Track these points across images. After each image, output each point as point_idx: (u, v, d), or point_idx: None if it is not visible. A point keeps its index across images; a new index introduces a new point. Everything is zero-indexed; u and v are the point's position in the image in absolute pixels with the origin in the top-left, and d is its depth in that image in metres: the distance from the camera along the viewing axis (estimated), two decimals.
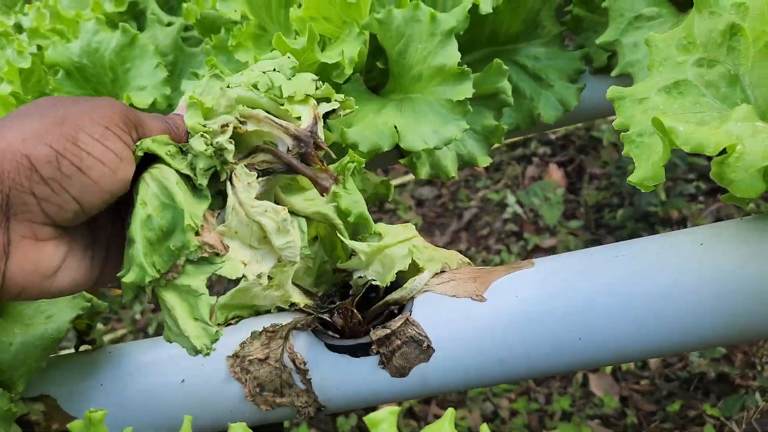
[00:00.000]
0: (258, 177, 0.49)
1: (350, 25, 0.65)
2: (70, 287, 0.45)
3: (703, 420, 1.52)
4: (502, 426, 1.68)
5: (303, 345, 0.52)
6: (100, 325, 2.29)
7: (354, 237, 0.53)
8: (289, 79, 0.52)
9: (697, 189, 2.02)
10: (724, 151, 0.40)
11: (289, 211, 0.49)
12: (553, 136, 2.44)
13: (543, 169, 2.37)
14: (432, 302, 0.51)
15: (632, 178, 0.44)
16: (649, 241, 0.50)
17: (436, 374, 0.50)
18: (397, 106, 0.65)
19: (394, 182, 2.50)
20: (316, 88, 0.52)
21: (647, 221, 2.00)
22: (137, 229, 0.45)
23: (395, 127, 0.59)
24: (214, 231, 0.48)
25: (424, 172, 0.68)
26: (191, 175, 0.48)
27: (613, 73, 0.66)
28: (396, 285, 0.52)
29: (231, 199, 0.48)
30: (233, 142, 0.48)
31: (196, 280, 0.45)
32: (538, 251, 2.16)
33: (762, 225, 0.47)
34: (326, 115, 0.53)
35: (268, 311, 0.55)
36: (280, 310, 0.54)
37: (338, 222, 0.52)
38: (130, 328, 2.22)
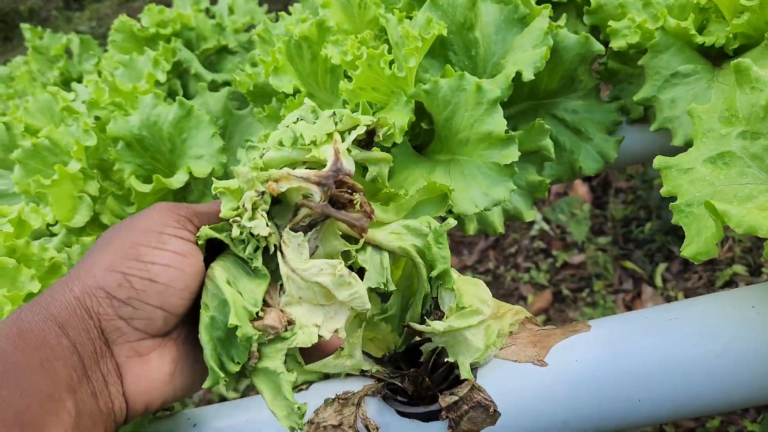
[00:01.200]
0: (306, 233, 0.51)
1: (398, 94, 0.68)
2: (189, 386, 0.49)
3: None
4: None
5: (374, 410, 0.55)
6: None
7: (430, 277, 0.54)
8: (313, 123, 0.52)
9: None
10: None
11: (371, 245, 0.51)
12: None
13: (568, 184, 2.39)
14: (496, 367, 0.54)
15: (685, 253, 0.47)
16: (700, 302, 0.52)
17: None
18: (446, 168, 0.68)
19: None
20: (336, 123, 0.51)
21: (676, 234, 2.01)
22: (203, 335, 0.48)
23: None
24: (277, 307, 0.50)
25: (473, 228, 0.72)
26: (246, 258, 0.50)
27: (652, 128, 0.69)
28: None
29: (283, 269, 0.49)
30: (264, 216, 0.48)
31: (275, 360, 0.48)
32: (567, 267, 2.18)
33: None
34: (367, 142, 0.53)
35: (338, 375, 0.58)
36: (348, 375, 0.58)
37: (419, 261, 0.54)
38: None
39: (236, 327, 0.46)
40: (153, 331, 0.47)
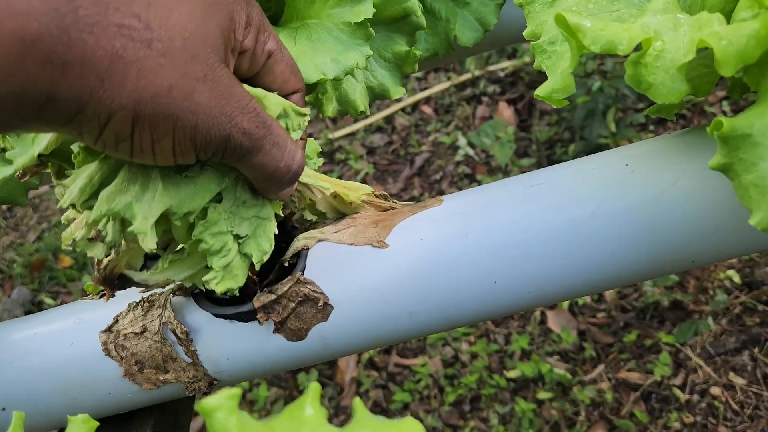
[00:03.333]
0: None
1: None
2: None
3: (659, 348, 1.52)
4: (462, 370, 1.67)
5: (185, 313, 0.45)
6: (49, 300, 2.20)
7: None
8: None
9: (647, 118, 1.98)
10: (639, 50, 0.33)
11: None
12: (501, 74, 2.37)
13: (493, 108, 2.31)
14: (329, 253, 0.44)
15: (539, 92, 0.38)
16: (569, 165, 0.44)
17: (337, 333, 0.44)
18: (292, 35, 0.56)
19: (343, 132, 2.41)
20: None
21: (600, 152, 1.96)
22: None
23: None
24: None
25: (331, 108, 0.61)
26: None
27: None
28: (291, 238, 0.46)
29: None
30: None
31: None
32: None
33: (691, 138, 0.42)
34: None
35: None
36: None
37: None
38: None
39: None
40: None
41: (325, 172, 2.38)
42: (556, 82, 0.37)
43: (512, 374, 1.59)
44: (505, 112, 2.26)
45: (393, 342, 0.45)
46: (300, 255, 0.44)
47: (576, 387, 1.52)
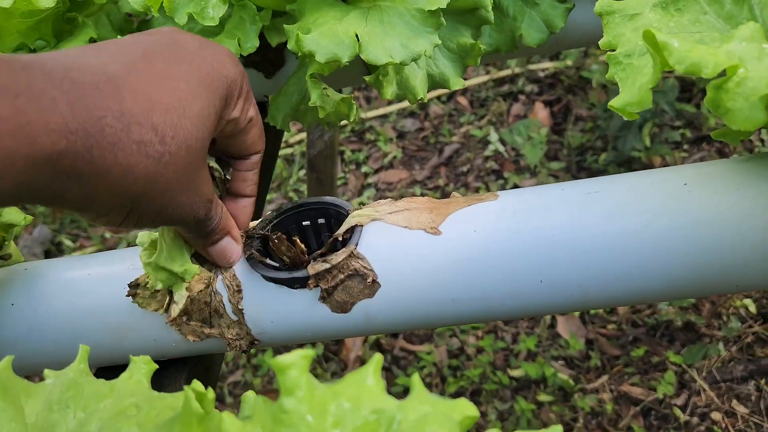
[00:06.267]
0: None
1: None
2: None
3: (665, 366, 1.53)
4: (467, 362, 1.68)
5: (239, 272, 0.47)
6: (68, 242, 2.24)
7: None
8: None
9: (682, 137, 1.97)
10: (723, 75, 0.34)
11: None
12: (542, 74, 2.36)
13: (529, 107, 2.30)
14: (382, 233, 0.46)
15: (614, 103, 0.38)
16: (627, 177, 0.45)
17: (381, 311, 0.45)
18: (363, 14, 0.57)
19: (375, 113, 2.42)
20: None
21: (630, 166, 1.96)
22: None
23: (357, 36, 0.53)
24: None
25: (390, 91, 0.62)
26: None
27: None
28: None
29: None
30: None
31: None
32: None
33: (752, 166, 0.42)
34: None
35: None
36: None
37: None
38: (99, 246, 2.17)
39: None
40: None
41: (353, 151, 2.39)
42: (633, 96, 0.37)
43: (516, 373, 1.61)
44: (541, 113, 2.25)
45: (432, 326, 0.47)
46: (354, 231, 0.45)
47: (577, 394, 1.54)
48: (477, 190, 2.14)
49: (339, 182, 2.28)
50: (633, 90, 0.38)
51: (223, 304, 0.46)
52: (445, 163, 2.29)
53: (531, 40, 0.64)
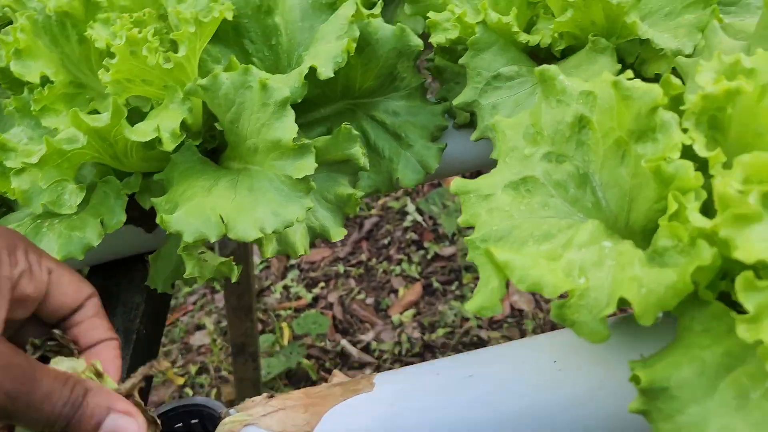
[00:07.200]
0: None
1: (172, 90, 0.55)
2: None
3: None
4: None
5: None
6: None
7: None
8: None
9: None
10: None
11: None
12: None
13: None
14: None
15: (469, 306, 0.38)
16: (498, 356, 0.45)
17: None
18: (233, 182, 0.56)
19: None
20: None
21: None
22: None
23: (222, 218, 0.51)
24: None
25: (271, 249, 0.60)
26: None
27: (473, 138, 0.61)
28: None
29: None
30: None
31: None
32: (438, 259, 2.14)
33: (618, 338, 0.43)
34: None
35: None
36: None
37: None
38: None
39: None
40: None
41: None
42: (485, 300, 0.37)
43: None
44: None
45: None
46: None
47: None
48: (399, 262, 2.15)
49: (261, 267, 2.24)
50: (486, 292, 0.38)
51: None
52: (366, 237, 2.29)
53: (408, 182, 0.65)
